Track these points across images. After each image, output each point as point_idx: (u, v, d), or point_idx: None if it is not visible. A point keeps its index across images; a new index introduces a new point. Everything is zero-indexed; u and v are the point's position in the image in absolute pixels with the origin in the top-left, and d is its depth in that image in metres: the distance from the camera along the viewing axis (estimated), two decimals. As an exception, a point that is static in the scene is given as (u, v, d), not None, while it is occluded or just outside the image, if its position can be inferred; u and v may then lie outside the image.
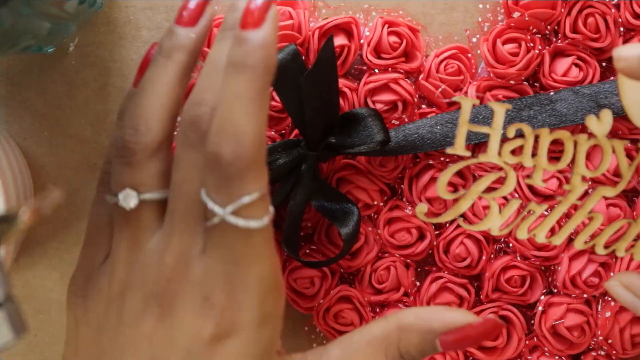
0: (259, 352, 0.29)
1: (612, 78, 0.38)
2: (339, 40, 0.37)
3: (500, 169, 0.34)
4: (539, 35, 0.38)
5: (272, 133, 0.38)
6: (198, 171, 0.28)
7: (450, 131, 0.37)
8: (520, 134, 0.33)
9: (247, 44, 0.27)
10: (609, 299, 0.39)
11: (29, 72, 0.40)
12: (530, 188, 0.38)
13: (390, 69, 0.38)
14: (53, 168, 0.41)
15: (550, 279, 0.40)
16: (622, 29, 0.38)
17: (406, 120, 0.38)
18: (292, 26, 0.37)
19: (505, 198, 0.37)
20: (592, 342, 0.40)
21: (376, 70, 0.38)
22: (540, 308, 0.39)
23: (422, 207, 0.34)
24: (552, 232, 0.35)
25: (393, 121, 0.38)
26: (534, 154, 0.34)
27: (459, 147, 0.33)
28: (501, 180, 0.35)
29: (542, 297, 0.39)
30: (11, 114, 0.40)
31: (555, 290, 0.40)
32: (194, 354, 0.28)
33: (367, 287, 0.39)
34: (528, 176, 0.35)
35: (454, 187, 0.38)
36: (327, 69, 0.35)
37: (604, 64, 0.38)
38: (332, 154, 0.37)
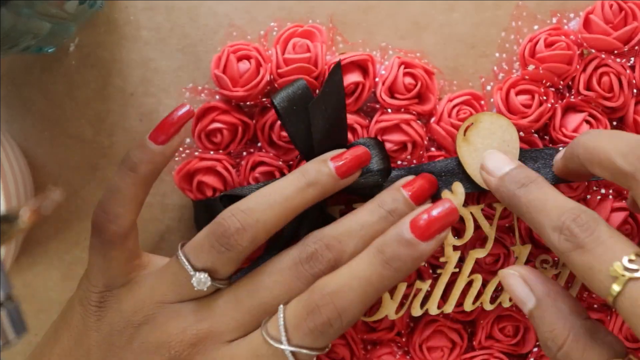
0: None
1: None
2: (354, 77, 0.37)
3: None
4: (553, 89, 0.38)
5: (280, 163, 0.38)
6: (286, 290, 0.32)
7: (439, 179, 0.37)
8: None
9: (409, 250, 0.31)
10: None
11: (30, 72, 0.40)
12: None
13: (402, 109, 0.38)
14: (53, 168, 0.41)
15: None
16: (635, 90, 0.38)
17: (414, 162, 0.38)
18: (308, 59, 0.37)
19: None
20: None
21: (389, 110, 0.38)
22: (532, 359, 0.39)
23: None
24: (444, 300, 0.38)
25: (399, 162, 0.38)
26: None
27: None
28: None
29: (535, 349, 0.40)
30: (11, 114, 0.40)
31: None
32: None
33: (361, 324, 0.39)
34: None
35: None
36: (336, 94, 0.35)
37: (614, 122, 0.38)
38: None
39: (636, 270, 0.28)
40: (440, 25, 0.40)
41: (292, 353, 0.31)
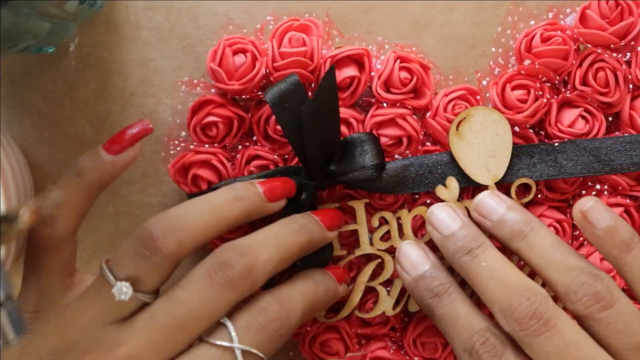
0: None
1: (616, 133, 0.38)
2: (350, 71, 0.37)
3: (378, 256, 0.38)
4: (549, 84, 0.38)
5: (275, 156, 0.38)
6: (201, 301, 0.31)
7: (431, 174, 0.38)
8: (385, 221, 0.38)
9: (338, 287, 0.37)
10: None
11: (30, 72, 0.40)
12: None
13: (398, 104, 0.38)
14: (53, 168, 0.41)
15: None
16: (631, 85, 0.38)
17: (410, 156, 0.38)
18: (304, 53, 0.37)
19: (389, 280, 0.39)
20: None
21: (384, 104, 0.38)
22: None
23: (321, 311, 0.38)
24: None
25: (396, 155, 0.38)
26: (401, 235, 0.38)
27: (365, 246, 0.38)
28: (381, 266, 0.38)
29: None
30: (11, 114, 0.40)
31: None
32: None
33: (355, 319, 0.39)
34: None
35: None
36: (328, 100, 0.35)
37: (610, 118, 0.38)
38: (331, 183, 0.37)
39: None
40: (440, 25, 0.40)
41: (243, 353, 0.31)
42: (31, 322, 0.32)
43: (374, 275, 0.38)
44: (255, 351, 0.31)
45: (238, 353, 0.30)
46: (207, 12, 0.40)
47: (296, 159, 0.38)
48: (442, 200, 0.38)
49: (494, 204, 0.35)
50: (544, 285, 0.34)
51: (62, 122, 0.40)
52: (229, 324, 0.31)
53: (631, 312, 0.31)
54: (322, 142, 0.36)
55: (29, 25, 0.32)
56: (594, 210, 0.33)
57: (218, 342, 0.31)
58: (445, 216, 0.35)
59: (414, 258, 0.36)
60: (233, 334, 0.31)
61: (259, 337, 0.31)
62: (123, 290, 0.30)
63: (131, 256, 0.31)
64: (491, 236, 0.35)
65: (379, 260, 0.38)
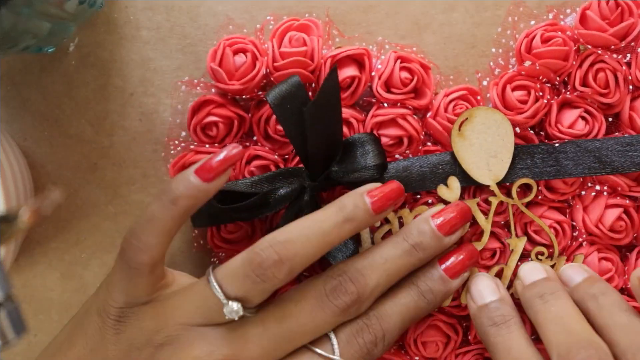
0: None
1: (616, 134, 0.38)
2: (350, 71, 0.37)
3: None
4: (549, 85, 0.38)
5: (276, 157, 0.38)
6: (311, 319, 0.33)
7: (432, 173, 0.38)
8: (386, 221, 0.38)
9: (441, 285, 0.36)
10: None
11: (29, 72, 0.40)
12: None
13: (399, 104, 0.38)
14: (53, 168, 0.41)
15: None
16: (631, 86, 0.38)
17: (410, 156, 0.38)
18: (304, 53, 0.37)
19: None
20: None
21: (385, 104, 0.38)
22: None
23: None
24: None
25: (396, 155, 0.38)
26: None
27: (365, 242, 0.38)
28: None
29: None
30: (11, 114, 0.40)
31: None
32: None
33: None
34: None
35: None
36: (331, 101, 0.35)
37: (610, 119, 0.38)
38: (333, 184, 0.37)
39: None
40: (440, 25, 0.40)
41: None
42: (124, 315, 0.33)
43: None
44: None
45: None
46: (207, 12, 0.40)
47: (297, 159, 0.38)
48: (443, 200, 0.38)
49: (572, 274, 0.37)
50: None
51: (62, 122, 0.40)
52: (333, 338, 0.33)
53: None
54: (324, 143, 0.36)
55: (29, 25, 0.32)
56: (476, 283, 0.36)
57: (321, 352, 0.33)
58: (486, 284, 0.37)
59: (483, 288, 0.37)
60: (336, 348, 0.33)
61: (357, 355, 0.33)
62: (234, 310, 0.32)
63: (242, 278, 0.32)
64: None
65: None
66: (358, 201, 0.34)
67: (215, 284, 0.32)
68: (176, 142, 0.39)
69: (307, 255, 0.32)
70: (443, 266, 0.36)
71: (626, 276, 0.39)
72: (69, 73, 0.40)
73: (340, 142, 0.37)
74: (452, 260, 0.36)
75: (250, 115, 0.39)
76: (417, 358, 0.39)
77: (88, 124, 0.40)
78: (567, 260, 0.38)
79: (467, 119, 0.37)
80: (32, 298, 0.41)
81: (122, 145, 0.40)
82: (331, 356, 0.33)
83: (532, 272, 0.36)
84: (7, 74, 0.40)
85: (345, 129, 0.38)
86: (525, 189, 0.38)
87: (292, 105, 0.35)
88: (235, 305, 0.32)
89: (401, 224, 0.38)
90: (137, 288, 0.33)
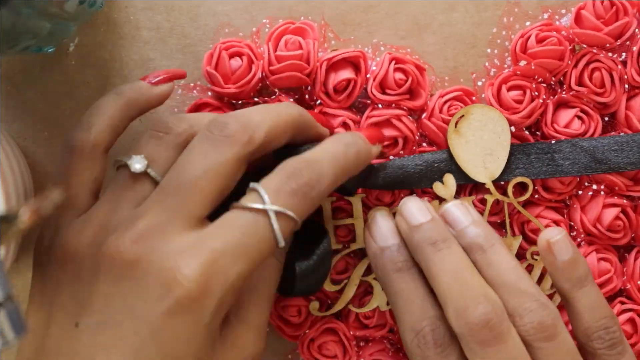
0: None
1: (612, 133, 0.38)
2: (346, 74, 0.37)
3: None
4: (544, 85, 0.38)
5: None
6: (204, 157, 0.31)
7: (428, 171, 0.38)
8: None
9: (362, 142, 0.35)
10: None
11: (29, 72, 0.40)
12: None
13: (393, 105, 0.38)
14: (53, 168, 0.41)
15: None
16: (627, 85, 0.38)
17: (406, 156, 0.38)
18: (300, 56, 0.37)
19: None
20: None
21: (380, 105, 0.38)
22: None
23: (314, 304, 0.39)
24: None
25: (391, 157, 0.38)
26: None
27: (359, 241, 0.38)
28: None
29: None
30: (11, 114, 0.40)
31: None
32: (148, 322, 0.28)
33: (354, 321, 0.39)
34: None
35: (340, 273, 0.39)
36: None
37: (606, 118, 0.39)
38: None
39: None
40: (440, 25, 0.40)
41: (276, 214, 0.30)
42: (57, 228, 0.32)
43: (369, 270, 0.38)
44: (288, 212, 0.30)
45: (271, 214, 0.30)
46: (207, 12, 0.40)
47: None
48: (440, 197, 0.38)
49: (460, 215, 0.36)
50: None
51: (61, 122, 0.40)
52: (259, 187, 0.30)
53: (569, 349, 0.32)
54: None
55: (29, 25, 0.32)
56: (560, 243, 0.34)
57: (249, 205, 0.30)
58: (415, 208, 0.35)
59: (385, 230, 0.36)
60: (265, 196, 0.30)
61: (291, 200, 0.30)
62: (140, 161, 0.31)
63: (145, 139, 0.33)
64: None
65: None
66: (352, 133, 0.35)
67: (120, 157, 0.32)
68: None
69: (199, 117, 0.34)
70: (362, 133, 0.35)
71: (625, 277, 0.39)
72: (69, 73, 0.40)
73: None
74: (368, 130, 0.36)
75: None
76: None
77: (88, 124, 0.40)
78: None
79: (463, 116, 0.37)
80: (32, 298, 0.41)
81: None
82: (259, 205, 0.29)
83: (418, 212, 0.35)
84: (7, 74, 0.40)
85: (342, 130, 0.38)
86: (521, 188, 0.38)
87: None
88: (136, 157, 0.32)
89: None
90: (76, 185, 0.32)
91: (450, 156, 0.37)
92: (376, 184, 0.37)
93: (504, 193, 0.38)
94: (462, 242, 0.35)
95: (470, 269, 0.33)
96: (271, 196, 0.30)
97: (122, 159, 0.32)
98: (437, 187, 0.37)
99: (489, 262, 0.34)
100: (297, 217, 0.30)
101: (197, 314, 0.28)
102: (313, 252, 0.36)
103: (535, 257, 0.38)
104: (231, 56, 0.38)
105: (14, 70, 0.40)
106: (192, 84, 0.39)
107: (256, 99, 0.38)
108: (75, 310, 0.30)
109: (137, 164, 0.31)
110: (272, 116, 0.32)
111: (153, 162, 0.32)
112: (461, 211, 0.36)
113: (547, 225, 0.38)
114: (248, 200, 0.30)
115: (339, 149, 0.33)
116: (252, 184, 0.30)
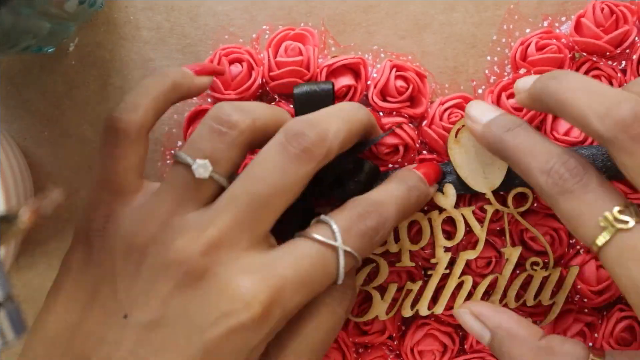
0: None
1: None
2: (346, 80, 0.37)
3: (373, 260, 0.38)
4: None
5: None
6: (281, 174, 0.30)
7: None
8: None
9: (423, 184, 0.35)
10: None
11: (29, 72, 0.40)
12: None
13: (394, 112, 0.38)
14: (53, 168, 0.41)
15: None
16: None
17: (406, 164, 0.38)
18: (300, 62, 0.37)
19: (383, 286, 0.38)
20: None
21: (381, 113, 0.38)
22: None
23: None
24: (434, 302, 0.38)
25: (390, 165, 0.38)
26: (397, 240, 0.38)
27: None
28: (376, 270, 0.38)
29: None
30: (11, 114, 0.40)
31: None
32: (204, 333, 0.28)
33: (353, 328, 0.39)
34: (398, 260, 0.38)
35: None
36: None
37: None
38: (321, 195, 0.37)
39: (626, 222, 0.29)
40: (440, 25, 0.40)
41: (345, 253, 0.31)
42: (105, 222, 0.31)
43: (368, 280, 0.38)
44: (355, 253, 0.31)
45: (341, 252, 0.30)
46: (207, 12, 0.40)
47: None
48: (439, 207, 0.38)
49: (486, 107, 0.35)
50: None
51: (62, 122, 0.40)
52: (333, 223, 0.31)
53: None
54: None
55: (29, 25, 0.32)
56: (474, 107, 0.35)
57: (322, 239, 0.30)
58: (485, 105, 0.35)
59: (484, 108, 0.35)
60: (338, 234, 0.31)
61: (359, 242, 0.31)
62: (201, 164, 0.30)
63: (207, 135, 0.31)
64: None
65: (374, 264, 0.38)
66: (414, 175, 0.35)
67: (180, 153, 0.31)
68: (172, 152, 0.39)
69: (261, 108, 0.33)
70: (420, 172, 0.35)
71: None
72: (69, 73, 0.40)
73: (351, 159, 0.36)
74: (425, 168, 0.36)
75: None
76: None
77: (88, 124, 0.40)
78: (562, 272, 0.38)
79: (464, 125, 0.37)
80: (32, 298, 0.41)
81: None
82: (332, 242, 0.30)
83: (487, 110, 0.35)
84: (7, 74, 0.40)
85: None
86: (521, 197, 0.38)
87: (315, 107, 0.34)
88: (201, 161, 0.30)
89: (395, 230, 0.38)
90: (124, 169, 0.31)
91: (451, 166, 0.37)
92: None
93: (504, 202, 0.38)
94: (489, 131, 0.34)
95: (547, 140, 0.32)
96: (343, 235, 0.31)
97: (184, 158, 0.31)
98: (438, 197, 0.37)
99: (516, 138, 0.33)
100: (360, 258, 0.31)
101: (252, 336, 0.29)
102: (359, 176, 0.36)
103: (534, 267, 0.38)
104: (231, 62, 0.37)
105: (14, 70, 0.40)
106: None
107: None
108: (127, 303, 0.29)
109: (202, 169, 0.30)
110: (347, 125, 0.32)
111: (216, 164, 0.31)
112: (485, 104, 0.36)
113: (546, 233, 0.38)
114: (320, 234, 0.31)
115: (403, 194, 0.34)
116: (323, 217, 0.31)
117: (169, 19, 0.40)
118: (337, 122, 0.32)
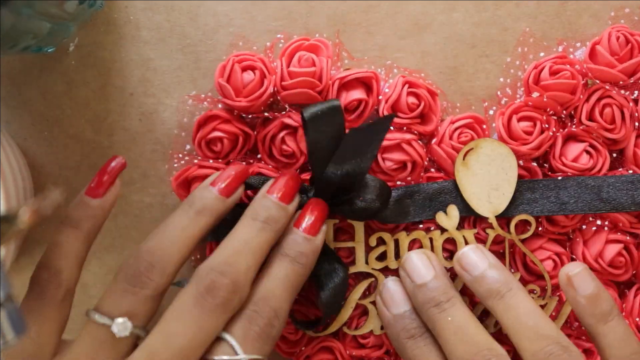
0: None
1: (620, 170, 0.38)
2: (357, 94, 0.37)
3: (372, 275, 0.38)
4: (555, 117, 0.38)
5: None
6: (199, 329, 0.31)
7: (433, 201, 0.38)
8: (382, 242, 0.38)
9: (307, 245, 0.34)
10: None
11: (29, 72, 0.40)
12: None
13: (404, 128, 0.38)
14: (53, 168, 0.41)
15: None
16: (637, 123, 0.38)
17: (412, 182, 0.38)
18: (313, 73, 0.37)
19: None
20: None
21: (391, 128, 0.38)
22: None
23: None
24: None
25: (397, 182, 0.38)
26: (397, 257, 0.38)
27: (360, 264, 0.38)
28: (374, 285, 0.38)
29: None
30: (11, 114, 0.40)
31: None
32: None
33: (350, 341, 0.39)
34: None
35: None
36: (376, 135, 0.35)
37: (614, 154, 0.38)
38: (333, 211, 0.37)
39: None
40: (441, 24, 0.40)
41: None
42: None
43: (366, 294, 0.38)
44: (258, 357, 0.32)
45: None
46: (207, 12, 0.40)
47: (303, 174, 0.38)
48: (442, 228, 0.38)
49: (476, 260, 0.36)
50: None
51: (62, 122, 0.40)
52: (230, 339, 0.32)
53: None
54: (347, 173, 0.35)
55: (29, 25, 0.32)
56: (580, 276, 0.34)
57: (225, 358, 0.32)
58: (420, 265, 0.36)
59: (397, 296, 0.37)
60: (237, 348, 0.32)
61: (258, 344, 0.32)
62: (120, 322, 0.31)
63: (121, 293, 0.32)
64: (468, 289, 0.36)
65: (372, 279, 0.38)
66: (204, 194, 0.34)
67: (94, 312, 0.32)
68: (180, 155, 0.39)
69: (173, 254, 0.33)
70: (301, 228, 0.35)
71: (624, 313, 0.39)
72: (69, 73, 0.40)
73: (362, 179, 0.36)
74: (306, 220, 0.35)
75: (255, 132, 0.38)
76: None
77: (88, 124, 0.40)
78: (560, 301, 0.38)
79: (472, 149, 0.37)
80: (32, 298, 0.41)
81: (122, 145, 0.40)
82: (235, 358, 0.32)
83: (423, 267, 0.36)
84: (7, 74, 0.40)
85: None
86: (524, 222, 0.38)
87: (327, 127, 0.35)
88: (120, 319, 0.31)
89: (397, 247, 0.38)
90: (45, 329, 0.32)
91: (456, 187, 0.37)
92: (382, 215, 0.37)
93: (507, 228, 0.38)
94: (479, 288, 0.35)
95: (474, 325, 0.34)
96: (242, 345, 0.32)
97: (101, 319, 0.31)
98: (440, 218, 0.37)
99: (506, 308, 0.34)
100: (265, 357, 0.33)
101: None
102: (329, 284, 0.37)
103: (532, 294, 0.38)
104: (244, 69, 0.37)
105: (14, 70, 0.40)
106: (202, 95, 0.39)
107: (266, 114, 0.38)
108: None
109: (122, 327, 0.31)
110: (255, 257, 0.33)
111: (133, 317, 0.32)
112: (477, 255, 0.36)
113: (549, 257, 0.38)
114: (220, 353, 0.32)
115: (287, 269, 0.34)
116: (222, 334, 0.32)
117: (169, 19, 0.40)
118: (245, 261, 0.33)
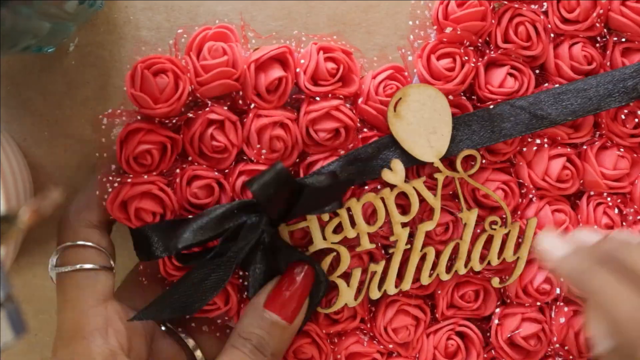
0: None
1: (546, 85, 0.38)
2: (276, 72, 0.36)
3: (333, 250, 0.38)
4: (472, 48, 0.38)
5: (215, 173, 0.37)
6: None
7: (374, 160, 0.37)
8: (335, 214, 0.37)
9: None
10: (562, 304, 0.39)
11: (29, 72, 0.40)
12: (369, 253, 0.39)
13: (329, 95, 0.37)
14: (53, 168, 0.41)
15: (502, 290, 0.40)
16: (552, 34, 0.38)
17: (350, 146, 0.37)
18: (227, 62, 0.35)
19: (347, 273, 0.38)
20: (549, 349, 0.40)
21: (317, 98, 0.37)
22: (496, 321, 0.39)
23: None
24: (401, 279, 0.38)
25: (340, 150, 0.37)
26: (353, 225, 0.37)
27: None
28: (337, 259, 0.38)
29: (497, 310, 0.40)
30: (11, 114, 0.40)
31: (509, 301, 0.40)
32: None
33: (324, 319, 0.39)
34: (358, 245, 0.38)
35: None
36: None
37: (537, 71, 0.38)
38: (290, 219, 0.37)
39: None
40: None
41: None
42: None
43: (332, 269, 0.38)
44: None
45: None
46: (207, 12, 0.40)
47: (237, 172, 0.37)
48: (389, 184, 0.37)
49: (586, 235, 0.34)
50: None
51: (62, 122, 0.40)
52: None
53: None
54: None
55: (29, 25, 0.32)
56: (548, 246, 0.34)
57: None
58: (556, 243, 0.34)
59: (555, 242, 0.34)
60: None
61: None
62: None
63: None
64: None
65: (334, 253, 0.38)
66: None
67: None
68: (110, 178, 0.36)
69: None
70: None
71: (580, 224, 0.39)
72: (69, 73, 0.40)
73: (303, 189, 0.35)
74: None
75: (181, 135, 0.37)
76: (391, 346, 0.39)
77: (88, 124, 0.40)
78: (521, 225, 0.38)
79: (401, 98, 0.37)
80: (32, 298, 0.41)
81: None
82: None
83: (588, 236, 0.33)
84: (7, 74, 0.40)
85: (281, 131, 0.36)
86: (467, 159, 0.38)
87: (277, 190, 0.34)
88: None
89: (350, 216, 0.37)
90: None
91: (394, 141, 0.37)
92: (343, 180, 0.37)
93: (452, 166, 0.38)
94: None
95: None
96: None
97: None
98: (387, 174, 0.37)
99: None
100: None
101: None
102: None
103: (493, 226, 0.38)
104: (155, 74, 0.35)
105: (14, 70, 0.40)
106: (118, 111, 0.36)
107: (190, 114, 0.36)
108: None
109: None
110: None
111: None
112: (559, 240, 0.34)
113: (497, 188, 0.38)
114: None
115: None
116: None
117: (169, 19, 0.40)
118: None
